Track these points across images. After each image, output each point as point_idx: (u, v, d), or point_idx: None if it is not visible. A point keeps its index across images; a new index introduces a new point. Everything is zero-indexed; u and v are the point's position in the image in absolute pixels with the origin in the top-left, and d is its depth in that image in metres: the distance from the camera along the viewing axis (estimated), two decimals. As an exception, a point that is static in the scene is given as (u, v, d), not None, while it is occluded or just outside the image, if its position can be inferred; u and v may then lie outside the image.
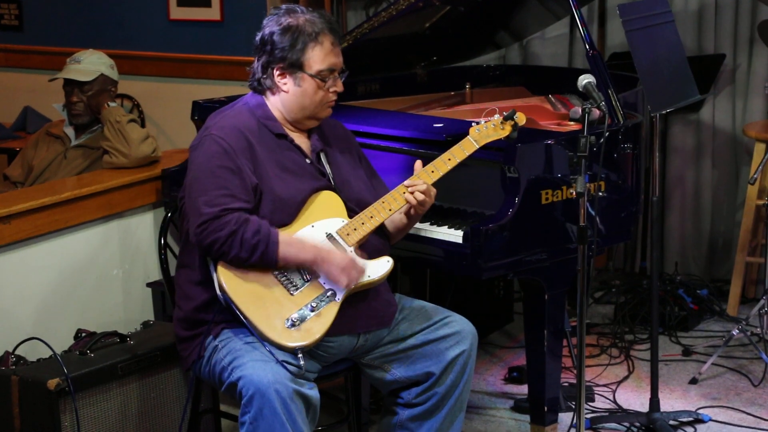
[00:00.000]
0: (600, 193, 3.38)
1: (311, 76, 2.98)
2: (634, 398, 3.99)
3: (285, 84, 3.01)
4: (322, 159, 3.09)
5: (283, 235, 2.88)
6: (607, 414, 3.83)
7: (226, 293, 2.84)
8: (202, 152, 2.92)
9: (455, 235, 3.24)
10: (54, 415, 3.06)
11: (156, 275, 4.14)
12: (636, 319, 4.64)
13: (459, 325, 3.08)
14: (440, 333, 3.06)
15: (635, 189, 3.57)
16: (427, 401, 3.06)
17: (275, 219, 2.91)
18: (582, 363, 3.07)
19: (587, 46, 3.60)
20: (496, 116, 3.14)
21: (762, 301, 4.15)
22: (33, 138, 4.49)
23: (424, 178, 3.03)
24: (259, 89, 3.06)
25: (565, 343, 3.70)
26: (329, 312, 2.88)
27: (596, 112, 3.18)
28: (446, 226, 3.29)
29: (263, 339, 2.82)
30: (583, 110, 3.06)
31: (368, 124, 3.62)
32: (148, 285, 4.15)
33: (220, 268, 2.86)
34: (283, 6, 3.04)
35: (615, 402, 3.96)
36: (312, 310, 2.86)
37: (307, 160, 3.04)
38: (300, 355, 2.80)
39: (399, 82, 4.44)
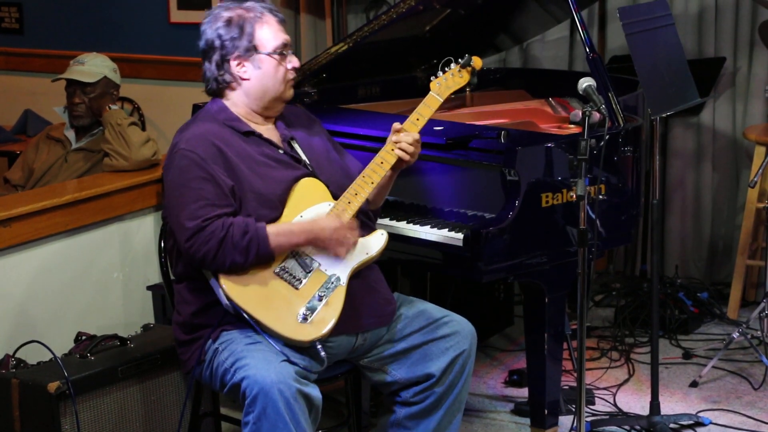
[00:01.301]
0: (600, 196, 3.38)
1: (269, 54, 2.99)
2: (635, 401, 3.99)
3: (245, 72, 3.01)
4: (295, 146, 3.10)
5: (271, 226, 2.89)
6: (607, 417, 3.82)
7: (233, 301, 2.84)
8: (174, 169, 2.92)
9: (455, 238, 3.23)
10: (54, 418, 3.06)
11: (156, 278, 4.14)
12: (636, 322, 4.63)
13: (458, 325, 3.08)
14: (439, 333, 3.05)
15: (635, 192, 3.57)
16: (425, 400, 3.05)
17: (261, 216, 2.90)
18: (582, 366, 3.07)
19: (587, 49, 3.60)
20: (453, 65, 3.16)
21: (762, 304, 4.14)
22: (33, 141, 4.49)
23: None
24: (218, 90, 3.06)
25: (565, 346, 3.70)
26: (337, 298, 2.89)
27: (596, 115, 3.18)
28: (446, 229, 3.29)
29: (279, 339, 2.83)
30: (584, 113, 3.06)
31: (369, 127, 3.62)
32: (149, 288, 4.14)
33: (222, 279, 2.85)
34: (213, 7, 3.05)
35: (615, 405, 3.96)
36: (320, 300, 2.88)
37: (280, 151, 3.04)
38: (319, 347, 2.83)
39: (399, 85, 4.43)
